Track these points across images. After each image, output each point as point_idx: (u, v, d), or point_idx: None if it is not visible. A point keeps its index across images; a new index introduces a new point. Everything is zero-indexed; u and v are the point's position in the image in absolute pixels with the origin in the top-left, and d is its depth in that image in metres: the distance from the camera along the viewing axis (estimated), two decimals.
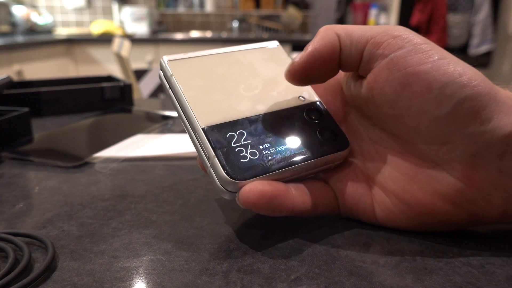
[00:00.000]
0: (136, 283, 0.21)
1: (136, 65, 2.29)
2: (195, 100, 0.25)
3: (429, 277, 0.21)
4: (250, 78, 0.27)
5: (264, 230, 0.26)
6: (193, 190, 0.32)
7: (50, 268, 0.22)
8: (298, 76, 0.25)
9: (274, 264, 0.22)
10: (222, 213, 0.28)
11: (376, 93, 0.23)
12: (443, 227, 0.24)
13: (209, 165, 0.24)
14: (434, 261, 0.22)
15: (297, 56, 0.25)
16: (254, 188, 0.22)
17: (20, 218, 0.28)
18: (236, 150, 0.24)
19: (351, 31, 0.24)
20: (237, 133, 0.24)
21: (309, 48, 0.24)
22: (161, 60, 0.26)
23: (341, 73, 0.27)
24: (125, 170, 0.37)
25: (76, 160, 0.39)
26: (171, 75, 0.26)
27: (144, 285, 0.21)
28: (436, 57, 0.22)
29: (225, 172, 0.23)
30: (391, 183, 0.25)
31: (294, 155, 0.25)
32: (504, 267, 0.22)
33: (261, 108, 0.26)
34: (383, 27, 0.24)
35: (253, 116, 0.26)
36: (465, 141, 0.21)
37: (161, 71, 0.27)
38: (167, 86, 0.26)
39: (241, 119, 0.25)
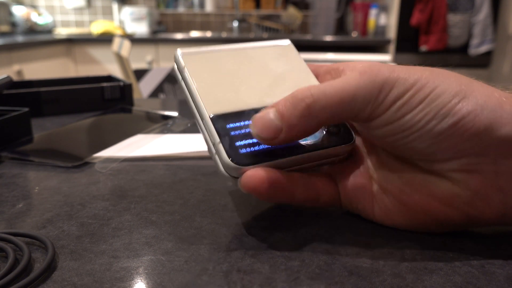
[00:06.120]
0: (136, 283, 0.21)
1: (136, 65, 2.29)
2: (204, 90, 0.26)
3: (429, 277, 0.21)
4: (259, 74, 0.28)
5: (264, 230, 0.26)
6: (193, 190, 0.32)
7: (50, 268, 0.22)
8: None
9: (274, 264, 0.22)
10: (222, 213, 0.28)
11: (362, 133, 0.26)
12: (441, 227, 0.24)
13: (214, 151, 0.24)
14: (434, 261, 0.22)
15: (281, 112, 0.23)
16: (255, 173, 0.23)
17: (20, 218, 0.28)
18: (240, 138, 0.24)
19: (335, 111, 0.23)
20: (242, 122, 0.25)
21: (284, 129, 0.23)
22: (175, 52, 0.28)
23: None
24: (125, 170, 0.37)
25: (76, 160, 0.39)
26: (184, 67, 0.27)
27: (144, 285, 0.21)
28: (418, 100, 0.22)
29: (228, 158, 0.23)
30: (390, 183, 0.25)
31: (298, 146, 0.25)
32: (504, 267, 0.22)
33: (268, 101, 0.27)
34: (366, 82, 0.22)
35: (260, 107, 0.26)
36: (457, 155, 0.22)
37: (175, 64, 0.28)
38: (180, 78, 0.27)
39: (248, 110, 0.26)
